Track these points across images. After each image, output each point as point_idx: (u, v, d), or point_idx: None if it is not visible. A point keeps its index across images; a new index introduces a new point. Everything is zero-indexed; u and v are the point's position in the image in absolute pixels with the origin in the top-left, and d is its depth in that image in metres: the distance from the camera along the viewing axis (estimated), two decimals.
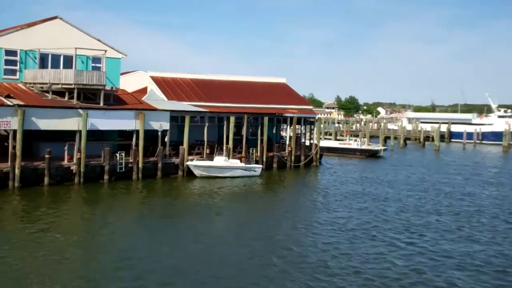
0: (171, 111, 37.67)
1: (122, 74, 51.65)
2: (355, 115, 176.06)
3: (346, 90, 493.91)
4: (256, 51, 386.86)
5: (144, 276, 16.22)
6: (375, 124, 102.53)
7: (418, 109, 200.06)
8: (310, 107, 51.77)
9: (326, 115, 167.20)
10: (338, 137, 75.24)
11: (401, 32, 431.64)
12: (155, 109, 36.99)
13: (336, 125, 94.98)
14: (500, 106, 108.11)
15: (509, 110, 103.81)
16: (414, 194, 33.56)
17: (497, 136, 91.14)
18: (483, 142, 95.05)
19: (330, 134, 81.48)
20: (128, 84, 47.66)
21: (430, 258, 19.17)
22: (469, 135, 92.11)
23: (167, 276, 16.31)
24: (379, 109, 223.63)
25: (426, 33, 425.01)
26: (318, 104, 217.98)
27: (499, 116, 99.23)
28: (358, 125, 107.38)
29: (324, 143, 62.03)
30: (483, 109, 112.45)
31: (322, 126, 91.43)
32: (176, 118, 38.57)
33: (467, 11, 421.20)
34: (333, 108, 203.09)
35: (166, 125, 37.31)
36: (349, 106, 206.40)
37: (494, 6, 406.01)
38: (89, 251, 18.93)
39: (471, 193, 34.98)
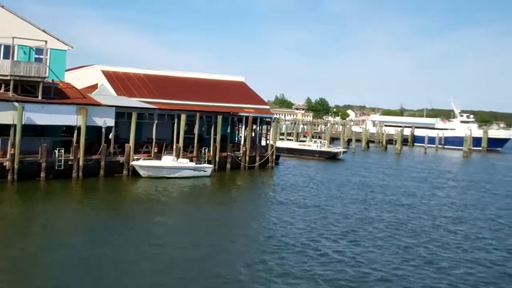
0: (117, 107, 35.94)
1: (76, 68, 49.72)
2: (324, 117, 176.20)
3: (317, 93, 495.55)
4: (230, 50, 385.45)
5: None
6: (340, 126, 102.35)
7: (387, 112, 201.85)
8: (267, 107, 50.60)
9: (294, 116, 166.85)
10: (301, 139, 74.46)
11: (373, 38, 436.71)
12: (99, 105, 35.20)
13: (301, 126, 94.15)
14: (463, 112, 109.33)
15: (471, 116, 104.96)
16: (360, 200, 32.41)
17: (459, 141, 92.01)
18: (446, 146, 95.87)
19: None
20: (82, 78, 45.66)
21: (357, 270, 18.10)
22: (432, 140, 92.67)
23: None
24: (349, 111, 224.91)
25: (397, 40, 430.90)
26: (288, 105, 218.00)
27: (462, 122, 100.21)
28: (323, 126, 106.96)
29: (284, 144, 61.31)
30: (450, 114, 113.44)
31: (285, 127, 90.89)
32: (125, 114, 36.89)
33: (436, 21, 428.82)
34: (303, 109, 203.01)
35: (110, 122, 35.60)
36: (319, 108, 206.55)
37: (460, 17, 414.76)
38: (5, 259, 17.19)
39: (415, 201, 34.03)
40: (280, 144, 60.13)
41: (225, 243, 20.54)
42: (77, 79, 44.69)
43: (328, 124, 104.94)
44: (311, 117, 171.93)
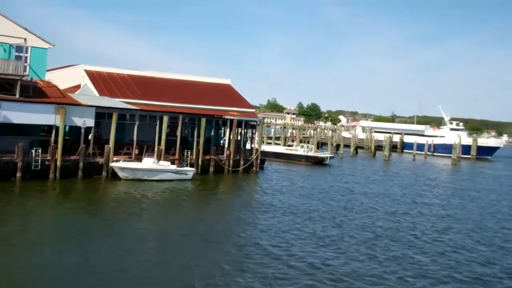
0: (97, 107, 35.25)
1: (61, 67, 49.12)
2: (315, 122, 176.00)
3: (310, 98, 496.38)
4: (224, 54, 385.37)
5: None
6: (330, 131, 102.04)
7: (378, 118, 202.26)
8: (253, 110, 50.06)
9: (285, 120, 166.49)
10: (288, 143, 73.99)
11: (366, 45, 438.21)
12: (78, 104, 34.52)
13: (290, 130, 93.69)
14: (454, 120, 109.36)
15: (461, 124, 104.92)
16: (338, 206, 31.51)
17: (448, 148, 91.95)
18: (435, 154, 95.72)
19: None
20: (67, 78, 45.12)
21: (325, 281, 17.59)
22: (421, 147, 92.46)
23: None
24: (341, 117, 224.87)
25: (390, 48, 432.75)
26: (280, 109, 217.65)
27: (451, 129, 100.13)
28: (312, 131, 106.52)
29: (271, 148, 60.91)
30: (441, 122, 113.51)
31: (273, 131, 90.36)
32: (106, 115, 36.15)
33: (428, 29, 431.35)
34: (294, 114, 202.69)
35: (90, 122, 34.94)
36: (310, 113, 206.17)
37: (452, 25, 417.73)
38: None
39: (394, 209, 32.98)
40: (267, 148, 59.76)
41: (195, 250, 19.93)
42: (62, 79, 44.13)
43: (318, 129, 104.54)
44: (302, 121, 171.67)
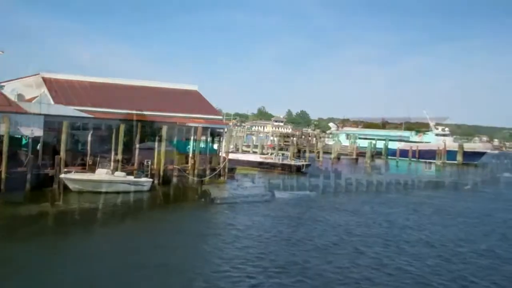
0: (46, 115, 33.38)
1: (25, 77, 47.08)
2: (303, 130, 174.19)
3: (301, 105, 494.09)
4: (213, 63, 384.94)
5: None
6: (314, 139, 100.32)
7: (369, 125, 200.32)
8: (220, 117, 48.31)
9: (274, 128, 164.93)
10: (265, 151, 72.22)
11: (357, 51, 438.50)
12: (24, 113, 32.65)
13: (271, 138, 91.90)
14: (444, 125, 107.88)
15: (446, 129, 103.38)
16: (291, 219, 29.39)
17: (433, 154, 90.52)
18: (420, 160, 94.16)
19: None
20: (32, 87, 43.29)
21: None
22: (405, 153, 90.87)
23: None
24: (330, 124, 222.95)
25: (381, 54, 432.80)
26: (269, 117, 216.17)
27: (437, 134, 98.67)
28: (294, 139, 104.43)
29: (245, 157, 59.25)
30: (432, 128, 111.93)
31: (254, 139, 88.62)
32: (56, 124, 34.31)
33: (418, 35, 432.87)
34: (282, 121, 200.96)
35: (39, 131, 33.04)
36: (299, 121, 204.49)
37: (442, 31, 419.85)
38: None
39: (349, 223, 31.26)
40: (241, 156, 58.10)
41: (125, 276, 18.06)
42: (26, 89, 42.46)
43: (303, 137, 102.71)
44: (290, 129, 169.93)
